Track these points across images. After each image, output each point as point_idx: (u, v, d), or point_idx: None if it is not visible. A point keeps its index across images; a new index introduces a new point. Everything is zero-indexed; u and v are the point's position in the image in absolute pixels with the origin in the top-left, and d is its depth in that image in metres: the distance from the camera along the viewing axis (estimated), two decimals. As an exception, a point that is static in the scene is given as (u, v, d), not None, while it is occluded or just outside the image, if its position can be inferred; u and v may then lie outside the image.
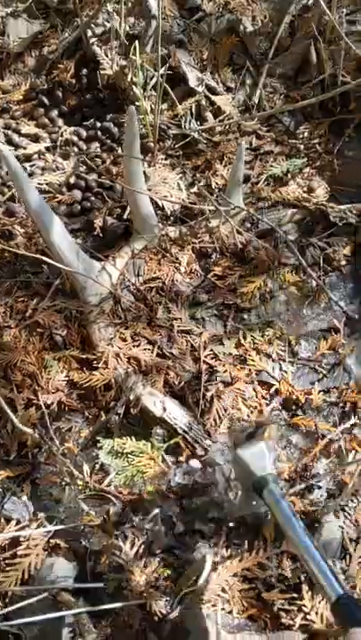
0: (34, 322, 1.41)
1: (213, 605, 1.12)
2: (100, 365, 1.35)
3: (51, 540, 1.20)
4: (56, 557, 1.19)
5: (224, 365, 1.37)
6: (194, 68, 1.72)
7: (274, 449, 1.20)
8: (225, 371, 1.36)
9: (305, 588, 1.14)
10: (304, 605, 1.13)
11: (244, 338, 1.41)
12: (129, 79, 1.66)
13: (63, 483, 1.26)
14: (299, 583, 1.15)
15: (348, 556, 1.18)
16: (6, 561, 1.18)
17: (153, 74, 1.66)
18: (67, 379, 1.36)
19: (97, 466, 1.27)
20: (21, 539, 1.19)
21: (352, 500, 1.24)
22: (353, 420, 1.31)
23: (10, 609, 1.12)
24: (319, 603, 1.13)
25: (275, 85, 1.72)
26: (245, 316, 1.44)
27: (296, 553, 1.06)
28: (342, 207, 1.52)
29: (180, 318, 1.43)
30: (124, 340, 1.40)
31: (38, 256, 1.33)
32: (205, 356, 1.37)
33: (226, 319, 1.44)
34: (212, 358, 1.38)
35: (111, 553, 1.16)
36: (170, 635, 1.10)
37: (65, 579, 1.16)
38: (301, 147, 1.66)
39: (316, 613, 1.12)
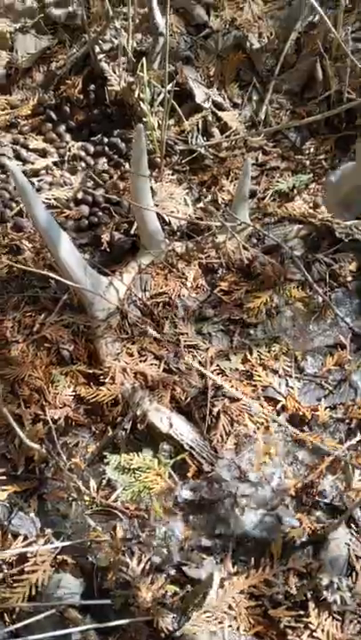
0: (41, 337, 1.42)
1: (220, 622, 1.12)
2: (107, 380, 1.36)
3: (58, 556, 1.21)
4: (63, 573, 1.19)
5: (230, 381, 1.37)
6: (201, 84, 1.73)
7: None
8: (231, 386, 1.36)
9: (311, 605, 1.15)
10: (310, 623, 1.13)
11: (251, 353, 1.41)
12: (136, 95, 1.67)
13: (70, 498, 1.26)
14: (305, 600, 1.16)
15: (354, 573, 1.18)
16: (13, 577, 1.18)
17: (160, 90, 1.67)
18: (74, 394, 1.36)
19: (104, 481, 1.27)
20: (28, 555, 1.19)
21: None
22: (359, 437, 1.31)
23: (17, 626, 1.13)
24: (325, 620, 1.14)
25: (281, 102, 1.73)
26: (252, 332, 1.45)
27: None
28: (348, 223, 1.52)
29: (187, 333, 1.43)
30: (131, 355, 1.40)
31: (45, 272, 1.33)
32: (212, 372, 1.38)
33: (232, 334, 1.44)
34: (219, 374, 1.38)
35: (118, 569, 1.17)
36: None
37: (72, 595, 1.17)
38: (307, 162, 1.67)
39: (323, 630, 1.12)
